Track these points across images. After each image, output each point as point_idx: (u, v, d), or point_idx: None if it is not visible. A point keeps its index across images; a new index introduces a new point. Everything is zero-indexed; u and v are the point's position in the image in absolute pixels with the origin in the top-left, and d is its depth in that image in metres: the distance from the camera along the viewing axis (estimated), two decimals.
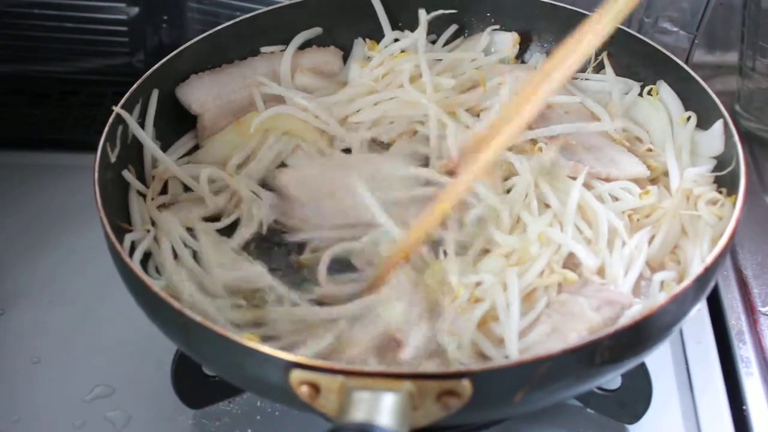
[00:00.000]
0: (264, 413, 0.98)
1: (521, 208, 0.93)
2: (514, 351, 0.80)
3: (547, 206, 0.94)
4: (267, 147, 1.04)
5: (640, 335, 0.77)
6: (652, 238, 0.91)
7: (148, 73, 1.01)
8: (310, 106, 1.05)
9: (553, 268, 0.86)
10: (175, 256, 0.91)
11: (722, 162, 0.96)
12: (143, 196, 0.97)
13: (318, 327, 0.83)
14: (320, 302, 0.87)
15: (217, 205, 0.98)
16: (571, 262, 0.89)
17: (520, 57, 1.16)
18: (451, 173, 0.98)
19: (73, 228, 1.19)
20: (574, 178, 0.94)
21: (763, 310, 1.09)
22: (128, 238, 0.90)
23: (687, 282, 0.78)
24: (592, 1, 1.08)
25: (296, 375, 0.71)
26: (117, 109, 0.95)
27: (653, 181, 0.99)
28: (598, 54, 1.10)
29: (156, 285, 0.78)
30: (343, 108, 1.08)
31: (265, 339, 0.82)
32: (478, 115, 1.06)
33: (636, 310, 0.83)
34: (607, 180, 0.97)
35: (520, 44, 1.15)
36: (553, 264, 0.87)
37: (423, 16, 1.13)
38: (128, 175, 0.96)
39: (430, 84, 1.06)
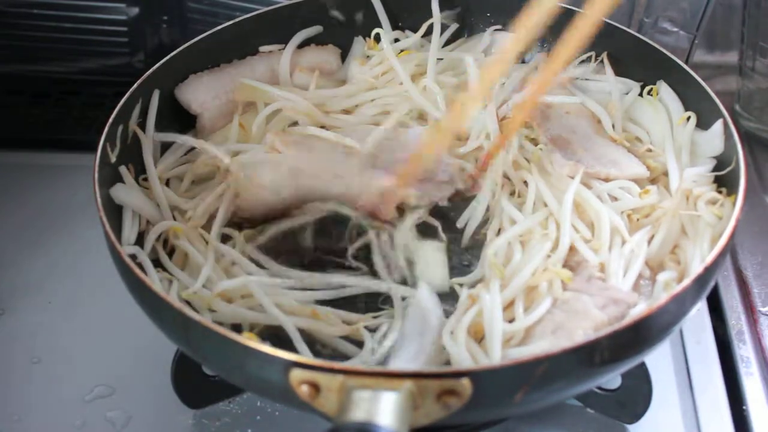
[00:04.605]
0: (264, 413, 0.98)
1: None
2: (493, 358, 0.80)
3: (545, 205, 0.94)
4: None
5: (640, 335, 0.77)
6: (651, 238, 0.91)
7: (148, 73, 1.01)
8: (302, 103, 1.05)
9: (547, 266, 0.86)
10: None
11: (722, 162, 0.96)
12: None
13: None
14: None
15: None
16: (572, 260, 0.88)
17: (520, 57, 1.16)
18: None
19: (73, 228, 1.19)
20: (573, 178, 0.94)
21: (763, 310, 1.09)
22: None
23: (687, 282, 0.78)
24: None
25: (296, 374, 0.70)
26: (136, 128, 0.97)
27: (653, 181, 0.99)
28: (598, 54, 1.10)
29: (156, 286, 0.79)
30: (340, 102, 1.08)
31: None
32: None
33: (639, 309, 0.83)
34: (607, 180, 0.97)
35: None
36: (547, 263, 0.87)
37: (436, 10, 1.13)
38: (127, 175, 0.95)
39: (432, 80, 1.06)
